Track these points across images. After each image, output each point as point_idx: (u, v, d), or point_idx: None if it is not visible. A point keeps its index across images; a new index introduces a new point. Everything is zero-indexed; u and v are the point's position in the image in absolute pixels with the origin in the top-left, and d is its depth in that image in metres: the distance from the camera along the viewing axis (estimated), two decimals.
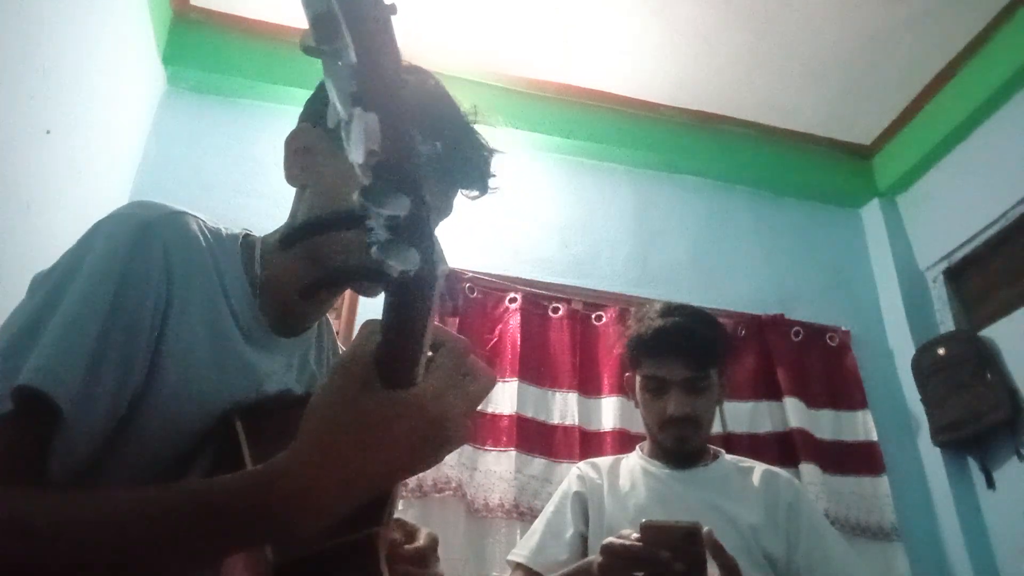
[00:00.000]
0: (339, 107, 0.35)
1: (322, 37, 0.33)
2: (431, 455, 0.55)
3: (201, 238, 0.76)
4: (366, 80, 0.34)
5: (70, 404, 0.60)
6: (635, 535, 1.17)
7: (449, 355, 0.56)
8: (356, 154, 0.35)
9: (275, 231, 0.87)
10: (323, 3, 0.31)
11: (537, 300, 2.43)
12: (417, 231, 0.41)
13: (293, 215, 0.85)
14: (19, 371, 0.59)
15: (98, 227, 0.69)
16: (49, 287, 0.65)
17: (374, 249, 0.41)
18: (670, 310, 1.61)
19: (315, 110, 0.84)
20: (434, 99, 0.80)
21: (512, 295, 2.39)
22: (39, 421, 0.59)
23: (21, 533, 0.53)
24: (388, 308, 0.50)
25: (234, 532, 0.54)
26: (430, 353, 0.55)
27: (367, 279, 0.45)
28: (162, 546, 0.53)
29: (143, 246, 0.68)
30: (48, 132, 1.77)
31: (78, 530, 0.53)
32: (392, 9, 0.33)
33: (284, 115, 2.54)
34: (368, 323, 0.54)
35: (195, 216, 0.77)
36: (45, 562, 0.52)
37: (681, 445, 1.57)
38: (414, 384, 0.53)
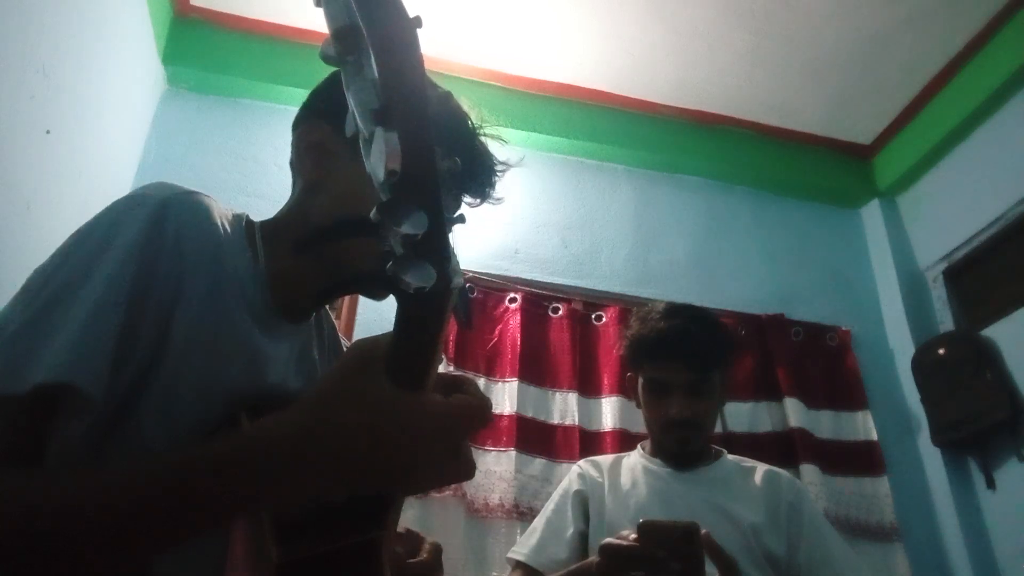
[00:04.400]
0: (359, 122, 0.34)
1: (344, 49, 0.32)
2: (394, 457, 0.53)
3: (216, 218, 0.76)
4: (389, 99, 0.33)
5: (92, 393, 0.60)
6: (633, 535, 1.17)
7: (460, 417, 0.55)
8: (375, 171, 0.34)
9: (276, 221, 0.85)
10: (345, 16, 0.31)
11: (537, 300, 2.42)
12: (434, 247, 0.41)
13: (303, 212, 0.83)
14: (36, 357, 0.58)
15: (115, 210, 0.70)
16: (68, 271, 0.64)
17: (390, 265, 0.40)
18: (673, 312, 1.60)
19: (329, 110, 0.82)
20: (454, 114, 0.80)
21: (512, 295, 2.39)
22: (42, 406, 0.59)
23: (29, 518, 0.52)
24: (400, 319, 0.49)
25: (223, 491, 0.53)
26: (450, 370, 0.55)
27: (383, 289, 0.45)
28: (156, 515, 0.52)
29: (156, 230, 0.68)
30: (48, 132, 1.77)
31: (79, 513, 0.52)
32: (417, 22, 0.32)
33: (284, 115, 2.56)
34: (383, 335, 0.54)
35: (208, 196, 0.77)
36: (50, 545, 0.51)
37: (683, 447, 1.57)
38: (421, 390, 0.53)
